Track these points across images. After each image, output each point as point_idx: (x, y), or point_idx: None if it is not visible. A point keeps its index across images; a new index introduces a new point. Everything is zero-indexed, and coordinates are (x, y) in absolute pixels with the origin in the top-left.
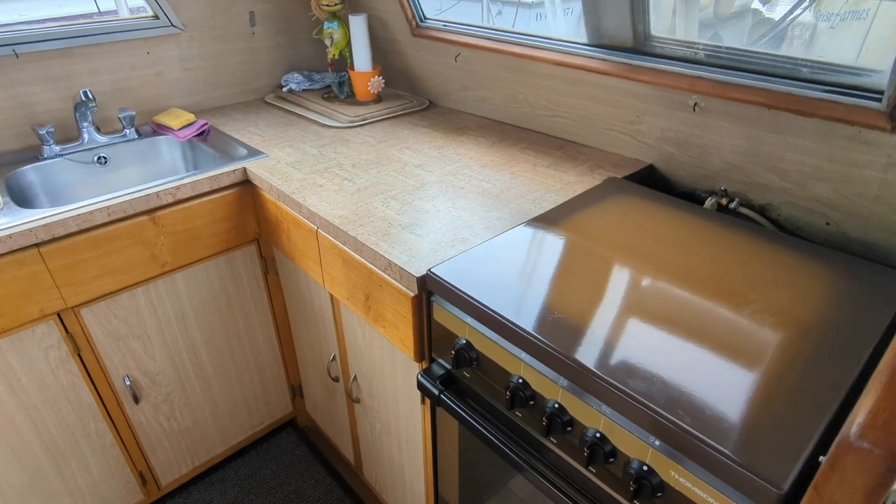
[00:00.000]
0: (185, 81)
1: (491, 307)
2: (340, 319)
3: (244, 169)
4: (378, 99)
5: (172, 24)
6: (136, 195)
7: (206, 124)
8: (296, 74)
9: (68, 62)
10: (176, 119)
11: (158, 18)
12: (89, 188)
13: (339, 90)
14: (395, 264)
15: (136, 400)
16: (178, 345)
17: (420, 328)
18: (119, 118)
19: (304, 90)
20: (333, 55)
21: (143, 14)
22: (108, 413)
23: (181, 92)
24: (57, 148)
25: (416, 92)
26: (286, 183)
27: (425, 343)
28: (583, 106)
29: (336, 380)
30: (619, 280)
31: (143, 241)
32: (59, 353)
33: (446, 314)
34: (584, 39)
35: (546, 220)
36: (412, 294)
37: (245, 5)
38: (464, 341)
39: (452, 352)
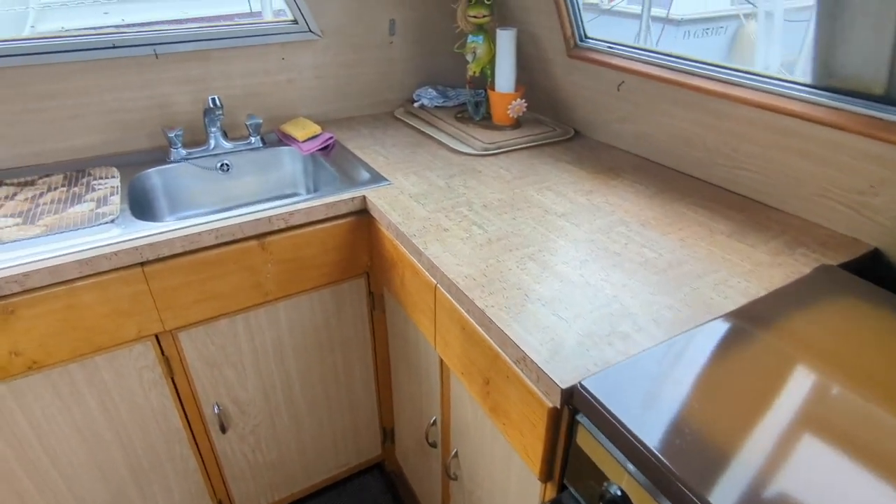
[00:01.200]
0: (316, 90)
1: (670, 466)
2: (448, 386)
3: (364, 197)
4: (517, 124)
5: (310, 30)
6: (246, 218)
7: (330, 139)
8: (429, 89)
9: (204, 64)
10: (302, 130)
11: (297, 23)
12: (208, 194)
13: (475, 111)
14: (532, 360)
15: (224, 429)
16: (273, 376)
17: (553, 445)
18: (246, 125)
19: (436, 107)
20: (474, 72)
21: (283, 18)
22: (194, 439)
23: (311, 100)
24: (183, 152)
25: (559, 118)
26: (408, 221)
27: (557, 464)
28: (786, 162)
29: (434, 446)
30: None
31: (249, 268)
32: (153, 375)
33: (596, 446)
34: (805, 77)
35: (742, 323)
36: (550, 405)
37: (385, 13)
38: (618, 492)
39: (600, 501)
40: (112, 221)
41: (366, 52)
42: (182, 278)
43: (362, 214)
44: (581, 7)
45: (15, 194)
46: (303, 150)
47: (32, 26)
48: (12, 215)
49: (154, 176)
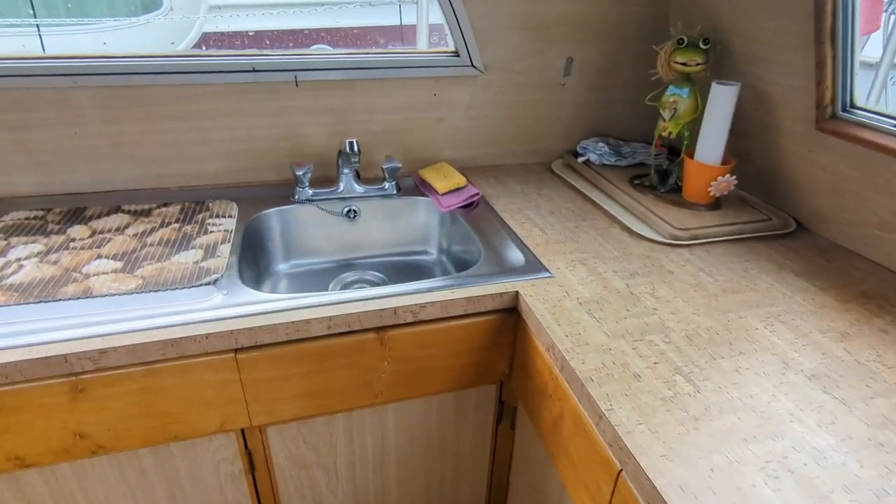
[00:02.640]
0: (466, 131)
1: None
2: None
3: (516, 294)
4: (715, 204)
5: (472, 65)
6: (367, 307)
7: (476, 196)
8: (599, 143)
9: (346, 95)
10: (444, 180)
11: (458, 56)
12: (328, 240)
13: (661, 180)
14: None
15: None
16: (368, 483)
17: None
18: (383, 168)
19: (605, 165)
20: (669, 132)
21: (443, 49)
22: None
23: (458, 143)
24: (310, 192)
25: (776, 202)
26: (579, 348)
27: None
28: None
29: None
30: None
31: (362, 364)
32: (232, 469)
33: None
34: None
35: None
36: None
37: (565, 50)
38: None
39: None
40: (214, 283)
41: (531, 93)
42: (280, 370)
43: (510, 313)
44: (857, 64)
45: (128, 226)
46: (442, 207)
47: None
48: (115, 256)
49: (273, 218)
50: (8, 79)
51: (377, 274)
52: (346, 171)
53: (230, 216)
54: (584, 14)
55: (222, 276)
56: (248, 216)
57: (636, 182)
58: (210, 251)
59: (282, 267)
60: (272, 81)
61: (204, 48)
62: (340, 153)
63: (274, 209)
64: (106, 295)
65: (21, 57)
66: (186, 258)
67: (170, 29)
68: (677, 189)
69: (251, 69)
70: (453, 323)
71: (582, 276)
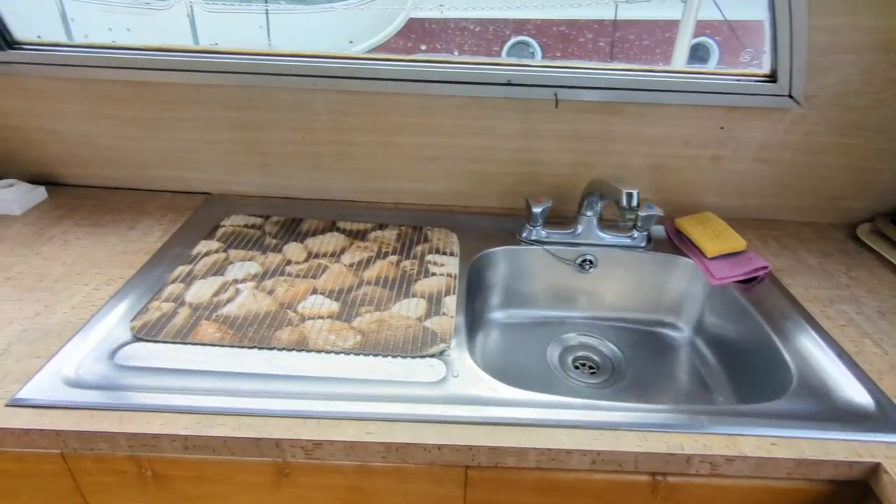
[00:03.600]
0: (746, 176)
1: None
2: None
3: (878, 467)
4: None
5: (790, 94)
6: (646, 444)
7: (763, 270)
8: None
9: (608, 120)
10: (714, 239)
11: (775, 82)
12: (551, 291)
13: None
14: None
15: None
16: None
17: None
18: (638, 214)
19: None
20: None
21: (752, 72)
22: None
23: (729, 189)
24: (543, 233)
25: None
26: None
27: None
28: None
29: None
30: None
31: None
32: None
33: None
34: None
35: None
36: None
37: None
38: None
39: None
40: (441, 353)
41: (858, 136)
42: (516, 497)
43: (850, 486)
44: None
45: (343, 251)
46: (713, 278)
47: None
48: (331, 294)
49: (499, 258)
50: (247, 76)
51: (608, 343)
52: (588, 213)
53: (452, 253)
54: None
55: (450, 344)
56: (471, 253)
57: None
58: (434, 304)
59: (497, 316)
60: (526, 98)
61: (411, 39)
62: (587, 193)
63: (500, 248)
64: (322, 351)
65: (263, 53)
66: (408, 310)
67: (356, 19)
68: None
69: (506, 82)
70: (761, 482)
71: None
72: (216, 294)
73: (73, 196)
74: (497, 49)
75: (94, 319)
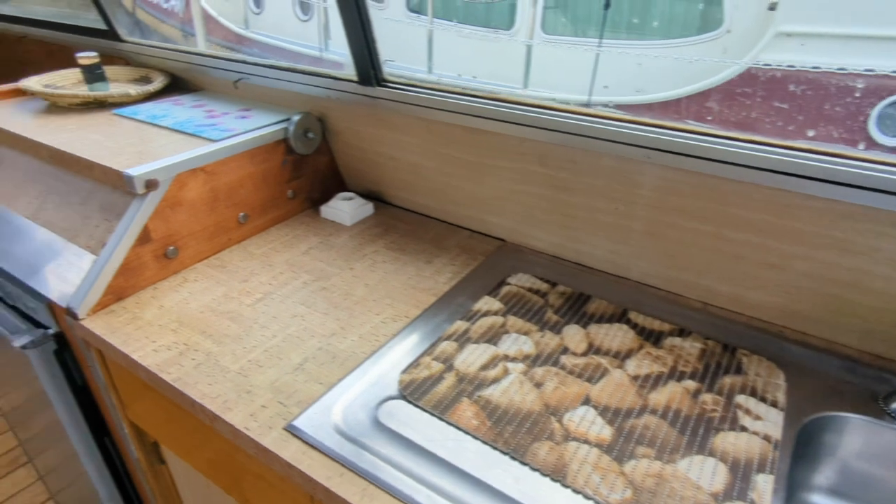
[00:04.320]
0: None
1: None
2: None
3: None
4: None
5: None
6: None
7: None
8: None
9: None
10: None
11: None
12: None
13: None
14: None
15: None
16: None
17: None
18: None
19: None
20: None
21: None
22: None
23: None
24: None
25: None
26: None
27: None
28: None
29: None
30: None
31: None
32: None
33: None
34: None
35: None
36: None
37: None
38: None
39: None
40: None
41: None
42: None
43: None
44: None
45: (629, 353)
46: None
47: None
48: (605, 412)
49: (851, 432)
50: (573, 137)
51: None
52: None
53: (774, 402)
54: None
55: None
56: (804, 410)
57: None
58: (739, 479)
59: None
60: None
61: (740, 92)
62: None
63: (854, 416)
64: (580, 493)
65: (591, 115)
66: (700, 474)
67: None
68: None
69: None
70: None
71: None
72: (484, 368)
73: (392, 216)
74: (861, 121)
75: (374, 357)
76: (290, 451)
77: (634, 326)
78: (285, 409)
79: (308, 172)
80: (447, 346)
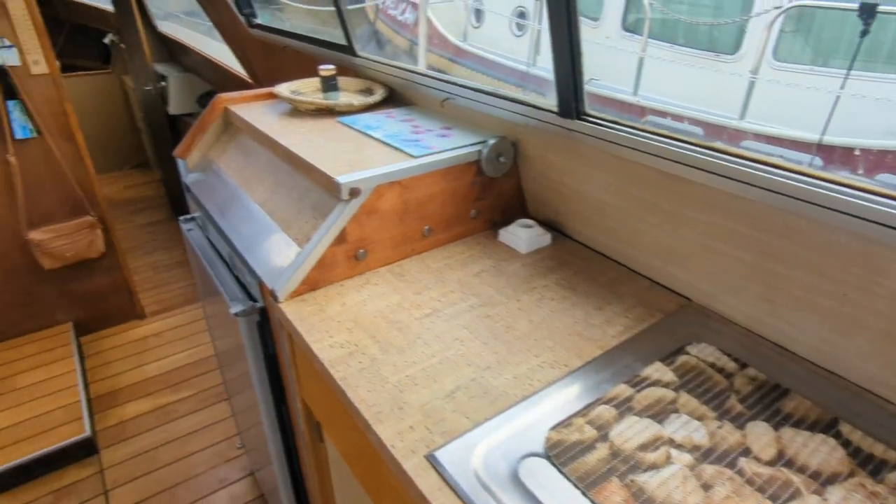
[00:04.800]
0: None
1: None
2: None
3: None
4: None
5: None
6: None
7: None
8: None
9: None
10: None
11: None
12: None
13: None
14: None
15: None
16: None
17: None
18: None
19: None
20: None
21: None
22: None
23: None
24: None
25: None
26: None
27: None
28: None
29: None
30: None
31: None
32: None
33: None
34: None
35: None
36: None
37: None
38: None
39: None
40: None
41: None
42: None
43: None
44: None
45: (835, 479)
46: None
47: None
48: None
49: None
50: (794, 201)
51: None
52: None
53: None
54: None
55: None
56: None
57: None
58: None
59: None
60: None
61: None
62: None
63: None
64: None
65: (818, 177)
66: None
67: None
68: None
69: None
70: None
71: None
72: (643, 448)
73: (569, 250)
74: None
75: (525, 403)
76: (427, 484)
77: (846, 444)
78: (430, 435)
79: (493, 194)
80: (605, 412)
